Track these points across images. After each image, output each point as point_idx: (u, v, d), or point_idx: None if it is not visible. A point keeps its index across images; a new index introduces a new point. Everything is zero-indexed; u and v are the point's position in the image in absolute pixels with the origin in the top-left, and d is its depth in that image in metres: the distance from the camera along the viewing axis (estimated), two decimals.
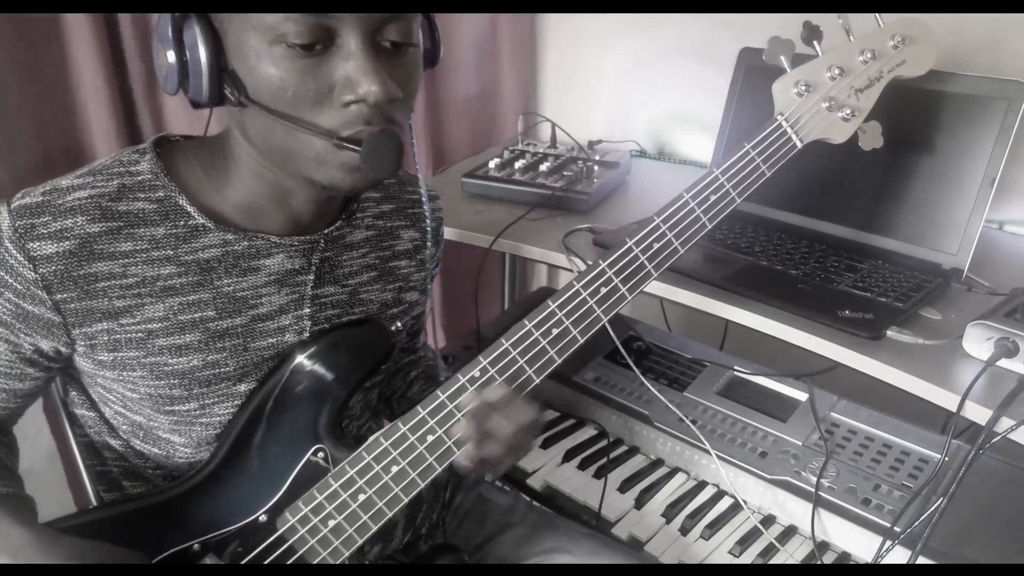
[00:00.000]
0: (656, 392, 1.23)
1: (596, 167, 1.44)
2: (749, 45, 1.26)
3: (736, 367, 1.31)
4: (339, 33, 0.67)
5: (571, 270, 1.14)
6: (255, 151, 0.75)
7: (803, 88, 0.85)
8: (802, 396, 1.24)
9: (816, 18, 0.87)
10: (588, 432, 1.28)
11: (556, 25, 1.73)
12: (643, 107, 1.69)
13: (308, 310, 0.84)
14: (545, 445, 1.24)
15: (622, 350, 1.18)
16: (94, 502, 0.94)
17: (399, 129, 0.73)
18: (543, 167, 1.43)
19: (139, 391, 0.78)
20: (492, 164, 1.46)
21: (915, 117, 1.09)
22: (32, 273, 0.71)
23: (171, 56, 0.68)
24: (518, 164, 1.45)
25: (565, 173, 1.41)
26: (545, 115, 1.59)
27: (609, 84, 1.72)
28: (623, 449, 1.25)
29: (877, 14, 0.85)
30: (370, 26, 0.68)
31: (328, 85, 0.68)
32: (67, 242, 0.72)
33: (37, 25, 1.10)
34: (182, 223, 0.77)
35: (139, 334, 0.76)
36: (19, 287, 0.72)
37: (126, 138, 1.22)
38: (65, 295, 0.73)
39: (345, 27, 0.67)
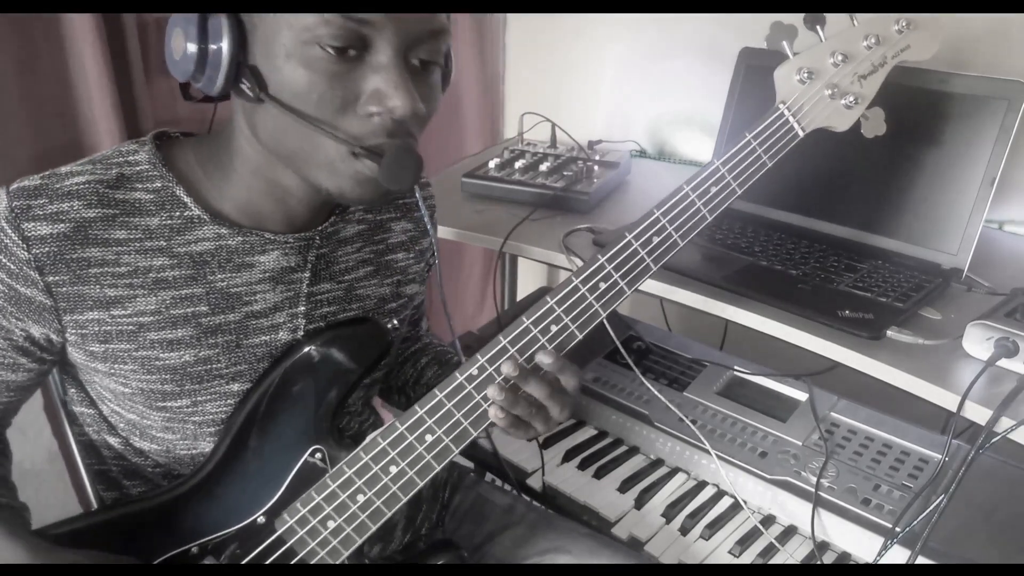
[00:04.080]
0: (656, 392, 1.23)
1: (596, 167, 1.44)
2: (749, 45, 1.26)
3: (736, 367, 1.31)
4: (373, 43, 0.68)
5: (571, 270, 1.14)
6: (261, 149, 0.75)
7: (805, 75, 0.83)
8: (802, 396, 1.24)
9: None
10: (588, 432, 1.28)
11: (556, 25, 1.73)
12: (643, 107, 1.69)
13: (303, 308, 0.84)
14: (545, 445, 1.24)
15: (622, 350, 1.18)
16: (94, 502, 0.94)
17: (416, 143, 0.74)
18: (543, 167, 1.43)
19: (130, 386, 0.78)
20: (492, 164, 1.46)
21: (915, 117, 1.09)
22: (25, 253, 0.72)
23: (191, 45, 0.68)
24: (518, 164, 1.45)
25: (565, 173, 1.41)
26: (545, 115, 1.59)
27: (609, 84, 1.72)
28: (623, 449, 1.25)
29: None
30: (405, 41, 0.68)
31: (355, 93, 0.69)
32: (62, 225, 0.72)
33: (36, 21, 1.10)
34: (177, 214, 0.77)
35: (130, 326, 0.76)
36: (12, 267, 0.72)
37: (128, 136, 1.22)
38: (57, 277, 0.73)
39: (381, 38, 0.67)
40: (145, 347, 0.77)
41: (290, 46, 0.67)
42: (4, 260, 0.73)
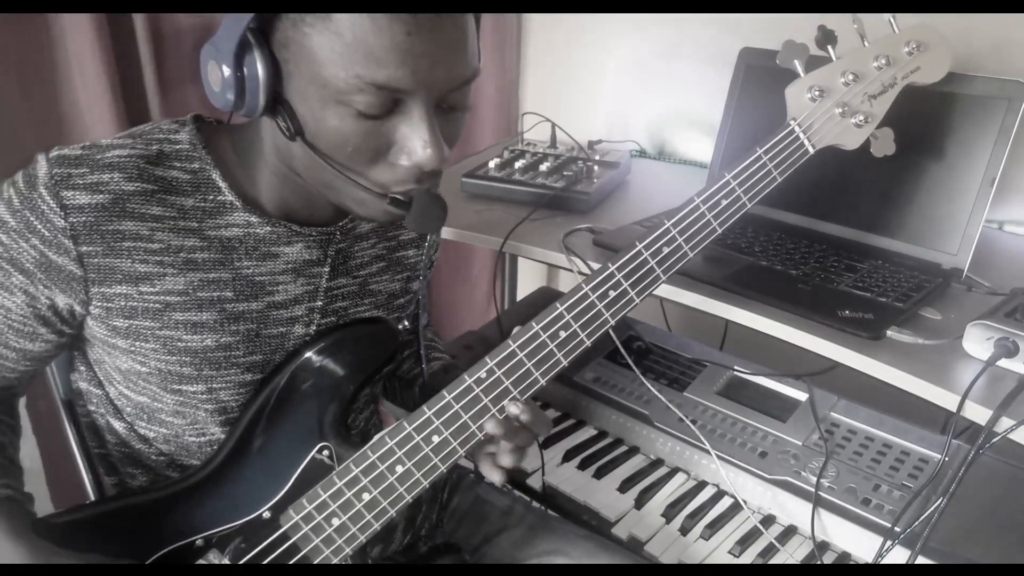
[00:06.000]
0: (656, 392, 1.24)
1: (596, 167, 1.45)
2: (749, 45, 1.26)
3: (736, 367, 1.32)
4: (405, 102, 0.68)
5: (571, 270, 1.14)
6: (289, 166, 0.75)
7: (817, 93, 0.85)
8: (802, 396, 1.25)
9: (819, 19, 0.87)
10: (588, 432, 1.28)
11: (556, 26, 1.73)
12: (643, 107, 1.69)
13: (320, 302, 0.85)
14: (545, 445, 1.24)
15: (622, 350, 1.18)
16: (91, 494, 0.94)
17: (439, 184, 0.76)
18: (543, 167, 1.44)
19: (148, 365, 0.78)
20: (492, 164, 1.46)
21: (915, 117, 1.09)
22: (62, 221, 0.71)
23: (226, 73, 0.67)
24: (518, 164, 1.45)
25: (565, 173, 1.41)
26: (545, 115, 1.59)
27: (609, 84, 1.72)
28: (623, 449, 1.25)
29: (891, 16, 0.85)
30: (435, 96, 0.69)
31: (387, 144, 0.70)
32: (101, 195, 0.72)
33: (35, 23, 1.10)
34: (211, 197, 0.77)
35: (157, 304, 0.76)
36: (47, 234, 0.72)
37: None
38: (90, 248, 0.73)
39: (413, 97, 0.68)
40: (169, 327, 0.77)
41: (324, 100, 0.67)
42: (39, 226, 0.72)
